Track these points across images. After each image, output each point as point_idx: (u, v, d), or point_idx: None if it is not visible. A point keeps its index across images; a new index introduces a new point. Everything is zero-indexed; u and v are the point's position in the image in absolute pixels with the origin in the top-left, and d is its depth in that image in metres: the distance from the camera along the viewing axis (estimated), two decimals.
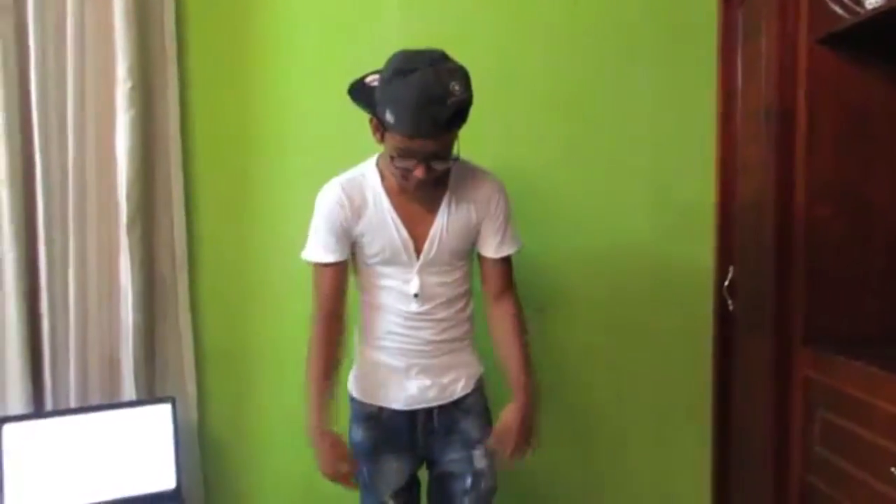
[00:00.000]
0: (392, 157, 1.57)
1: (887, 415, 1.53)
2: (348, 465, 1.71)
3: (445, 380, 1.78)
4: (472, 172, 1.75)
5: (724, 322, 2.24)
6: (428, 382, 1.76)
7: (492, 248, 1.77)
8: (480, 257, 1.80)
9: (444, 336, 1.76)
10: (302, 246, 2.11)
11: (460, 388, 1.79)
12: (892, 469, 1.49)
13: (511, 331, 1.78)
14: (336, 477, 1.71)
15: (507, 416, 1.75)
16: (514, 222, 1.78)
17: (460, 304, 1.78)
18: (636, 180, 2.26)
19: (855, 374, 1.66)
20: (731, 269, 2.16)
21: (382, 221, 1.69)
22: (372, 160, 1.74)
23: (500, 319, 1.80)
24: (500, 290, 1.80)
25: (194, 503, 2.08)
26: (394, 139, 1.54)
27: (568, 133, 2.24)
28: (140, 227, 2.08)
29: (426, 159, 1.56)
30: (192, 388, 2.17)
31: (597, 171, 2.25)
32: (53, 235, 2.05)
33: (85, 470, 1.92)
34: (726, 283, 2.17)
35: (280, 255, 2.20)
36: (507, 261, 1.80)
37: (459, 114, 1.52)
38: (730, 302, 2.17)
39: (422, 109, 1.46)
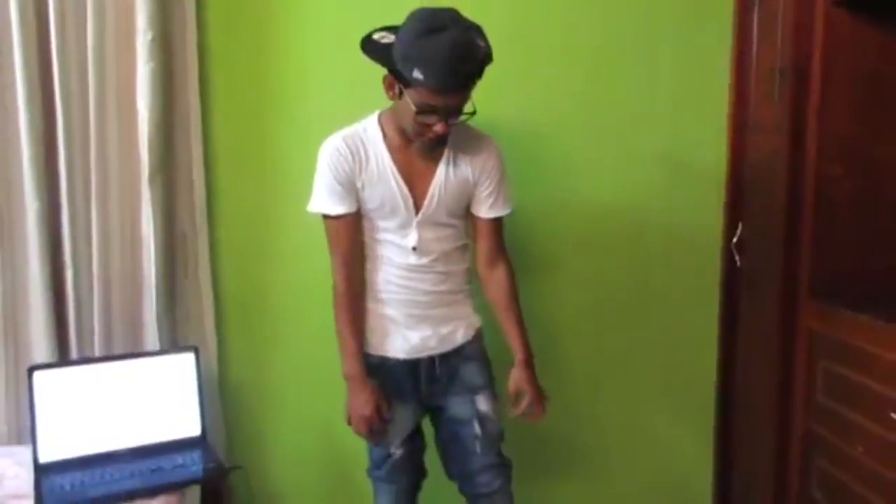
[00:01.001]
0: (415, 113, 1.61)
1: (888, 363, 1.61)
2: (382, 413, 1.79)
3: (444, 330, 1.85)
4: (470, 133, 1.81)
5: (732, 278, 2.31)
6: (428, 332, 1.83)
7: (484, 208, 1.83)
8: (473, 217, 1.86)
9: (442, 287, 1.83)
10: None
11: (460, 336, 1.87)
12: (892, 414, 1.57)
13: (505, 297, 1.88)
14: (366, 424, 1.78)
15: (515, 373, 1.84)
16: (507, 185, 1.84)
17: (457, 258, 1.85)
18: (649, 136, 2.29)
19: (858, 326, 1.74)
20: (740, 225, 2.21)
21: (383, 176, 1.73)
22: (373, 116, 1.79)
23: (495, 284, 1.88)
24: (492, 252, 1.87)
25: (218, 449, 2.14)
26: (419, 94, 1.57)
27: (583, 88, 2.26)
28: (161, 179, 2.10)
29: (448, 114, 1.60)
30: (212, 339, 2.22)
31: (611, 125, 2.28)
32: (75, 187, 2.07)
33: (113, 417, 1.97)
34: (735, 239, 2.23)
35: (298, 206, 2.20)
36: (498, 222, 1.86)
37: (481, 68, 1.57)
38: (738, 258, 2.23)
39: (455, 66, 1.51)
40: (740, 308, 2.27)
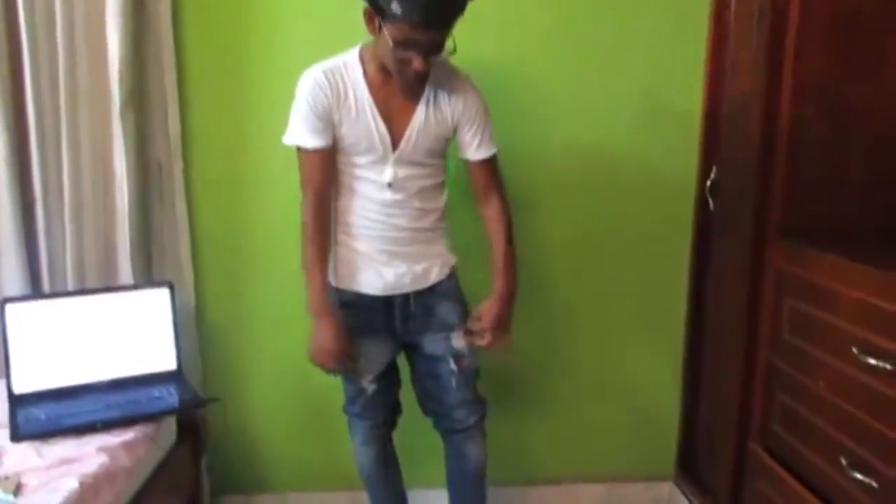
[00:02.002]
0: (393, 48, 1.59)
1: (851, 301, 1.65)
2: (345, 347, 1.80)
3: (419, 267, 1.86)
4: (451, 73, 1.80)
5: (704, 221, 2.33)
6: (403, 269, 1.84)
7: (470, 151, 1.84)
8: (464, 160, 1.87)
9: (417, 224, 1.83)
10: None
11: (434, 274, 1.88)
12: (853, 349, 1.62)
13: (496, 232, 1.89)
14: (330, 359, 1.81)
15: (486, 302, 1.87)
16: (490, 126, 1.85)
17: (434, 195, 1.86)
18: (627, 77, 2.28)
19: (824, 265, 1.78)
20: (713, 168, 2.24)
21: (361, 112, 1.72)
22: (355, 50, 1.77)
23: (487, 221, 1.90)
24: (484, 192, 1.89)
25: (194, 383, 2.16)
26: (397, 29, 1.55)
27: (561, 28, 2.24)
28: (133, 112, 2.07)
29: (427, 51, 1.59)
30: (189, 274, 2.23)
31: (589, 66, 2.26)
32: (44, 120, 2.04)
33: (88, 350, 1.98)
34: (708, 182, 2.25)
35: (275, 140, 2.19)
36: (488, 163, 1.86)
37: (462, 5, 1.55)
38: (710, 201, 2.26)
39: (433, 1, 1.50)
40: (712, 250, 2.31)
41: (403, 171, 1.77)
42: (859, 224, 1.93)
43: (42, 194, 2.07)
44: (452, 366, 1.90)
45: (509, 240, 1.89)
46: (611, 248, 2.40)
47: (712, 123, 2.27)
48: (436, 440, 2.03)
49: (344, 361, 1.83)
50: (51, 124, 2.05)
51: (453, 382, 1.91)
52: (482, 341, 1.87)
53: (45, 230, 2.08)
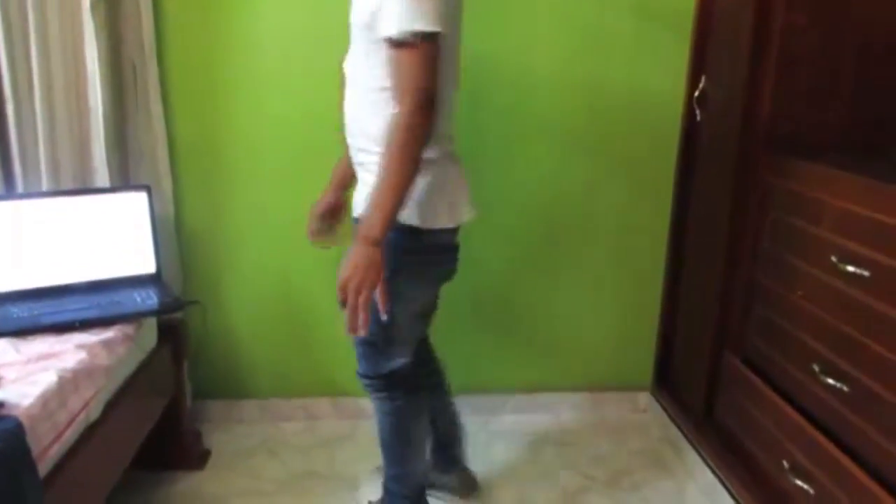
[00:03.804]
0: None
1: (835, 210, 1.66)
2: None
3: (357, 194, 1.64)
4: None
5: (691, 132, 2.31)
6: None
7: (378, 25, 1.41)
8: None
9: (352, 141, 1.59)
10: (273, 41, 2.02)
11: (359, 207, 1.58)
12: (832, 258, 1.63)
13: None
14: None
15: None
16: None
17: (373, 98, 1.50)
18: None
19: (810, 175, 1.77)
20: (702, 78, 2.20)
21: None
22: None
23: None
24: (393, 88, 1.43)
25: (174, 287, 2.15)
26: None
27: None
28: (104, 8, 1.99)
29: None
30: (167, 180, 2.18)
31: None
32: (10, 19, 1.95)
33: (66, 252, 1.96)
34: (696, 93, 2.22)
35: (252, 48, 2.15)
36: (393, 47, 1.39)
37: None
38: (698, 112, 2.23)
39: None
40: (697, 163, 2.29)
41: (349, 59, 1.58)
42: (847, 135, 1.91)
43: (12, 94, 2.00)
44: None
45: (389, 152, 1.42)
46: (594, 161, 2.37)
47: (703, 31, 2.22)
48: None
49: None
50: (17, 20, 1.96)
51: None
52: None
53: (16, 131, 2.02)
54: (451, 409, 2.03)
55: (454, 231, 1.61)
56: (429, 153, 1.45)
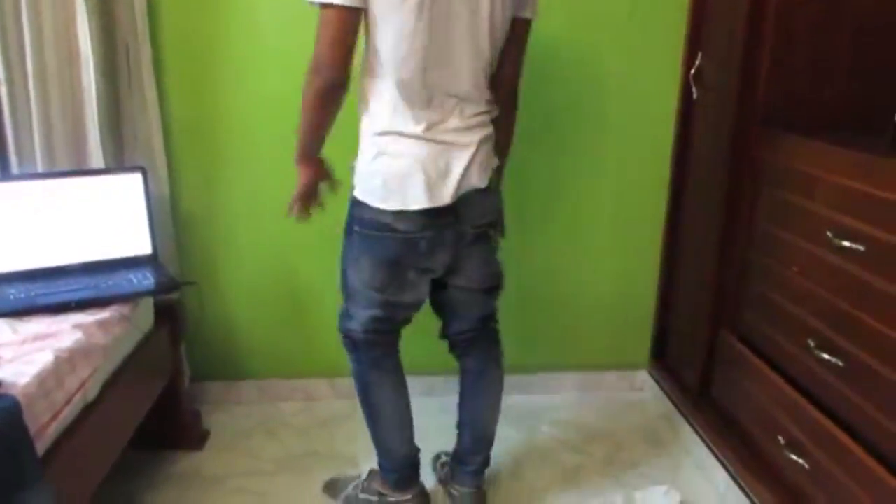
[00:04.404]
0: None
1: (830, 185, 1.66)
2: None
3: None
4: None
5: (688, 109, 2.30)
6: None
7: None
8: None
9: None
10: (268, 20, 2.01)
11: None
12: (828, 233, 1.63)
13: None
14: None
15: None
16: None
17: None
18: None
19: (805, 151, 1.77)
20: (699, 55, 2.19)
21: None
22: None
23: None
24: None
25: (170, 268, 2.15)
26: None
27: None
28: None
29: None
30: (162, 162, 2.18)
31: None
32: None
33: (62, 234, 1.95)
34: (693, 70, 2.21)
35: (247, 27, 2.14)
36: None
37: None
38: (694, 90, 2.22)
39: None
40: (694, 140, 2.29)
41: None
42: (843, 110, 1.91)
43: (5, 75, 1.99)
44: None
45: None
46: (590, 140, 2.36)
47: (699, 8, 2.21)
48: None
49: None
50: (9, 1, 1.95)
51: None
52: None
53: (10, 112, 2.01)
54: (482, 422, 1.96)
55: (396, 215, 1.59)
56: (379, 139, 1.58)
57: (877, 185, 1.49)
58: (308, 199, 1.76)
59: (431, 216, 1.59)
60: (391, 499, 1.91)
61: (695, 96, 2.23)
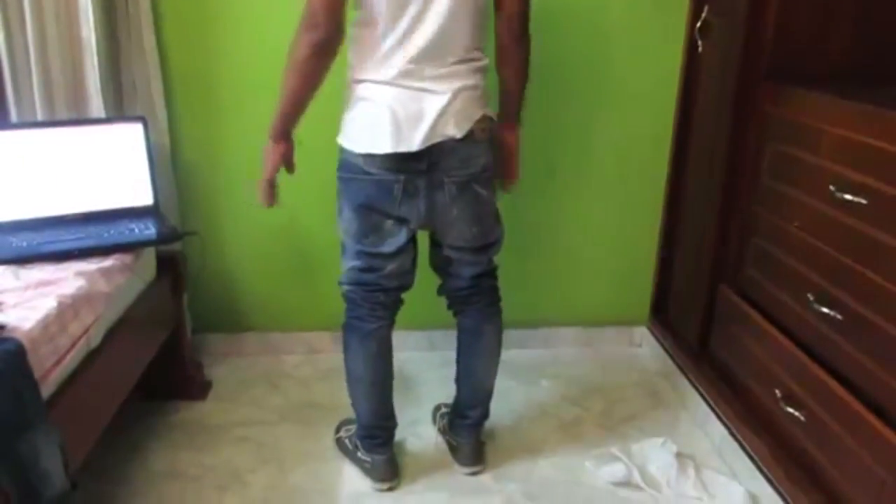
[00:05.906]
0: None
1: (834, 138, 1.64)
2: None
3: None
4: None
5: (692, 64, 2.27)
6: None
7: None
8: None
9: None
10: None
11: None
12: (830, 187, 1.63)
13: None
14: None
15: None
16: None
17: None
18: None
19: (809, 104, 1.75)
20: (705, 8, 2.15)
21: None
22: None
23: None
24: None
25: (171, 219, 2.15)
26: None
27: None
28: None
29: None
30: (162, 112, 2.17)
31: None
32: None
33: (63, 183, 1.95)
34: (698, 24, 2.18)
35: None
36: None
37: None
38: (700, 44, 2.19)
39: None
40: (698, 95, 2.26)
41: None
42: (849, 64, 1.89)
43: (2, 24, 1.96)
44: None
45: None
46: (594, 94, 2.34)
47: None
48: None
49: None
50: None
51: None
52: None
53: (8, 61, 2.00)
54: (479, 379, 1.96)
55: (366, 158, 1.62)
56: (357, 87, 1.61)
57: (881, 138, 1.48)
58: (274, 182, 1.77)
59: (400, 160, 1.60)
60: (359, 454, 1.95)
61: (700, 50, 2.20)
